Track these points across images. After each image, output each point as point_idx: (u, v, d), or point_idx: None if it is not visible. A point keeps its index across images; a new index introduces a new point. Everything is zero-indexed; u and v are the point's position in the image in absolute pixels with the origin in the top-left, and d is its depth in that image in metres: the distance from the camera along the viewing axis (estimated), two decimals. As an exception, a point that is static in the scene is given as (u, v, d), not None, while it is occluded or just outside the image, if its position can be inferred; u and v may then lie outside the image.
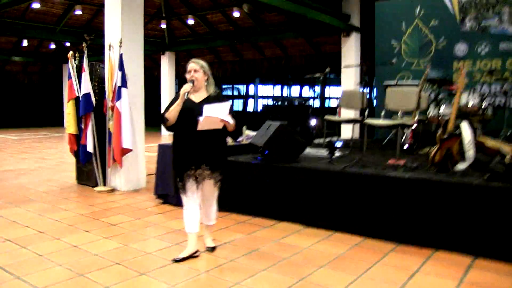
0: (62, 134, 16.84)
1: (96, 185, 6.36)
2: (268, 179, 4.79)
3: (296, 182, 4.65)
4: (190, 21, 14.48)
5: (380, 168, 4.49)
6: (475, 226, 3.67)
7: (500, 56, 7.04)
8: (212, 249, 3.74)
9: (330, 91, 19.70)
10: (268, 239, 4.14)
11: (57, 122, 20.19)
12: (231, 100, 3.54)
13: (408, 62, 7.74)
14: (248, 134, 5.75)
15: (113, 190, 6.25)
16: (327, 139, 6.23)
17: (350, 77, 12.28)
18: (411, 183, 4.00)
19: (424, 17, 7.61)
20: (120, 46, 5.96)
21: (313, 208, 4.53)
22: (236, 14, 13.69)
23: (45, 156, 10.37)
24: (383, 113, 5.95)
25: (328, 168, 4.52)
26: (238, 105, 24.75)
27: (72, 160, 7.23)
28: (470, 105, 5.69)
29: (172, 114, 3.36)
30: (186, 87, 3.33)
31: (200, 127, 3.25)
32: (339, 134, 6.70)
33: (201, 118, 3.21)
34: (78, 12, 12.69)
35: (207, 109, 3.22)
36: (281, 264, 3.50)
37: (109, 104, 6.13)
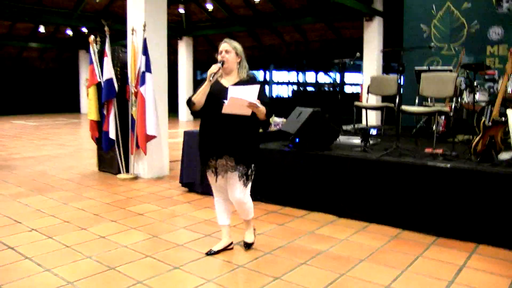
0: (79, 120, 16.85)
1: (119, 172, 6.26)
2: (300, 167, 4.60)
3: (329, 171, 4.46)
4: (209, 6, 14.20)
5: (419, 157, 4.27)
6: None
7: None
8: (247, 245, 3.44)
9: (347, 77, 19.34)
10: (302, 230, 3.97)
11: (74, 108, 20.25)
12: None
13: (438, 47, 7.43)
14: (275, 121, 5.56)
15: (136, 178, 6.14)
16: (358, 126, 6.02)
17: (372, 63, 11.99)
18: (453, 173, 3.78)
19: (456, -1, 7.28)
20: (144, 30, 5.78)
21: (347, 198, 4.35)
22: (256, -2, 13.39)
23: (65, 142, 10.32)
24: (417, 99, 5.69)
25: (364, 157, 4.32)
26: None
27: (92, 146, 7.14)
28: (509, 90, 5.40)
29: (199, 98, 3.03)
30: (213, 68, 3.00)
31: (225, 110, 2.93)
32: (364, 121, 6.45)
33: (226, 101, 2.90)
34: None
35: (233, 90, 2.92)
36: (320, 257, 3.33)
37: (132, 89, 5.99)
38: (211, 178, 3.25)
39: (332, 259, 3.29)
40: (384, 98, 6.70)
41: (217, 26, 16.13)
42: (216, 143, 3.10)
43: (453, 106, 5.05)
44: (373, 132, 5.21)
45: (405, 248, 3.55)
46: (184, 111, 16.65)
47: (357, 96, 13.63)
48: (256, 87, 2.96)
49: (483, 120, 4.05)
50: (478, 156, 4.07)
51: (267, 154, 4.79)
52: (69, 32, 16.71)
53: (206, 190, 5.19)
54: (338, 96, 6.08)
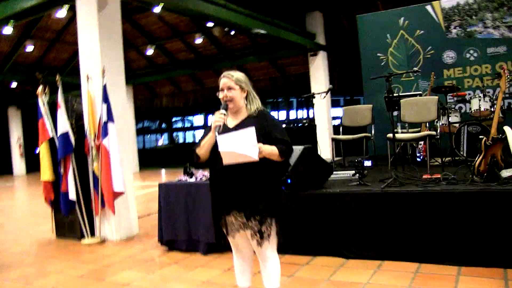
0: (13, 183, 15.40)
1: (82, 236, 5.52)
2: (296, 210, 4.24)
3: (329, 210, 4.13)
4: (149, 52, 13.84)
5: (421, 184, 4.08)
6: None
7: (489, 60, 7.00)
8: None
9: (297, 113, 19.52)
10: (316, 279, 3.57)
11: (6, 170, 18.57)
12: (272, 119, 2.70)
13: (399, 75, 7.53)
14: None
15: (103, 241, 5.44)
16: (348, 159, 5.83)
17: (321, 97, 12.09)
18: (466, 197, 3.61)
19: (408, 27, 7.49)
20: (103, 76, 5.27)
21: (353, 237, 4.03)
22: (199, 41, 13.26)
23: (4, 209, 9.20)
24: (399, 126, 5.61)
25: (368, 190, 4.05)
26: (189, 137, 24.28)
27: (42, 210, 6.33)
28: (482, 109, 5.48)
29: (204, 150, 2.57)
30: (217, 117, 2.49)
31: (225, 161, 2.44)
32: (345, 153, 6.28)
33: (222, 153, 2.39)
34: (29, 49, 11.72)
35: (222, 142, 2.39)
36: (356, 310, 2.94)
37: (92, 143, 5.39)
38: (227, 236, 2.77)
39: (370, 310, 2.91)
40: (354, 129, 6.60)
41: (157, 72, 15.75)
42: (222, 198, 2.59)
43: (438, 129, 4.99)
44: (368, 163, 5.02)
45: (436, 283, 3.26)
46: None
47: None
48: (250, 131, 2.38)
49: (484, 139, 3.95)
50: (482, 177, 3.96)
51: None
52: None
53: (191, 247, 4.66)
54: (316, 131, 5.86)
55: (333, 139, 6.04)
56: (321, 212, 4.17)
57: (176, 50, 14.70)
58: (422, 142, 5.74)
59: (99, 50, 5.41)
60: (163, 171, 15.66)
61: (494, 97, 5.65)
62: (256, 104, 2.67)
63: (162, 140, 27.12)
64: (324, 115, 12.09)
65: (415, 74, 7.23)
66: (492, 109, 5.47)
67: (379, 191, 3.98)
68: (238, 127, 2.58)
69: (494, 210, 3.51)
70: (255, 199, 2.53)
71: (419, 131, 5.70)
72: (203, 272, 3.96)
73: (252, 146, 2.38)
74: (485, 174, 3.95)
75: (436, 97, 5.14)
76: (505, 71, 4.17)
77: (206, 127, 2.70)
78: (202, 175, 4.91)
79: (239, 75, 2.64)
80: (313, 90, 12.16)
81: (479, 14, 7.01)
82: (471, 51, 7.11)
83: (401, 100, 5.32)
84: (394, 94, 6.49)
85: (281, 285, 2.69)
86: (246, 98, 2.66)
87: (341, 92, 14.52)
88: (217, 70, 15.84)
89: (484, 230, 3.53)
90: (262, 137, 2.47)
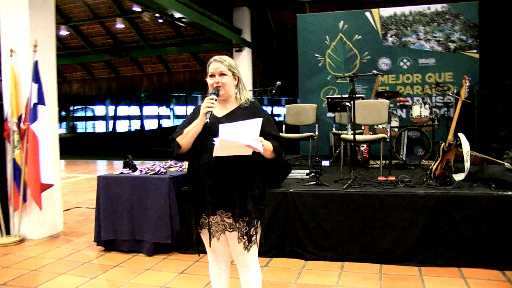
0: None
1: (-5, 236, 4.75)
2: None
3: (288, 211, 3.99)
4: (63, 32, 12.61)
5: (379, 185, 4.11)
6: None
7: (420, 70, 7.41)
8: None
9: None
10: (283, 283, 3.40)
11: None
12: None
13: (334, 76, 7.67)
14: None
15: (22, 240, 4.72)
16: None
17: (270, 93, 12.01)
18: (427, 199, 3.70)
19: (347, 31, 7.64)
20: (35, 51, 4.56)
21: (311, 238, 3.92)
22: (120, 26, 12.42)
23: None
24: (349, 127, 5.63)
25: (329, 191, 3.96)
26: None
27: None
28: (423, 116, 5.74)
29: (187, 140, 2.27)
30: (208, 103, 2.21)
31: (216, 153, 2.15)
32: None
33: (216, 141, 2.10)
34: None
35: (225, 130, 2.12)
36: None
37: (14, 127, 4.65)
38: (205, 239, 2.42)
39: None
40: (294, 128, 6.57)
41: (70, 55, 14.50)
42: (207, 195, 2.28)
43: (389, 132, 5.10)
44: (326, 163, 4.93)
45: (404, 285, 3.27)
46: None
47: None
48: (258, 121, 2.15)
49: (442, 144, 4.08)
50: (437, 180, 4.09)
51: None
52: None
53: (134, 247, 4.22)
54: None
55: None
56: (280, 213, 4.00)
57: (93, 33, 13.63)
58: (365, 145, 5.86)
59: (28, 20, 4.68)
60: (62, 162, 14.37)
61: (433, 104, 5.96)
62: (246, 93, 2.44)
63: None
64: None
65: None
66: (431, 116, 5.76)
67: (342, 192, 3.91)
68: (228, 117, 2.32)
69: (452, 211, 3.64)
70: (245, 199, 2.27)
71: (361, 133, 5.81)
72: (155, 276, 3.57)
73: (254, 138, 2.14)
74: (440, 178, 4.09)
75: (387, 101, 5.26)
76: (466, 80, 4.37)
77: (193, 111, 2.40)
78: (147, 168, 4.47)
79: (230, 60, 2.38)
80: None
81: (413, 26, 7.38)
82: (405, 60, 7.46)
83: (356, 102, 5.35)
84: (335, 96, 6.62)
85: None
86: (237, 86, 2.41)
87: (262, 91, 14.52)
88: (134, 59, 15.03)
89: (442, 231, 3.65)
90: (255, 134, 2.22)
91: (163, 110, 42.70)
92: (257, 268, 2.43)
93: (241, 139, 2.10)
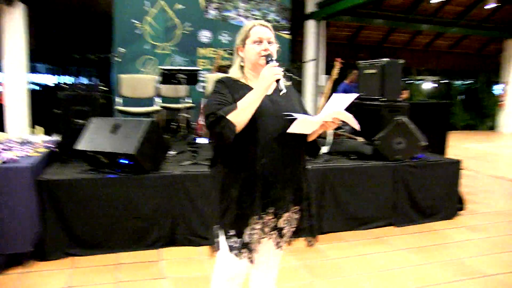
0: None
1: None
2: (137, 197, 3.42)
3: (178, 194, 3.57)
4: None
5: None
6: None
7: (239, 46, 7.58)
8: None
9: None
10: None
11: None
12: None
13: (153, 45, 7.11)
14: (44, 139, 3.83)
15: None
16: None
17: (15, 59, 9.87)
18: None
19: (169, -1, 7.15)
20: None
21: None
22: None
23: None
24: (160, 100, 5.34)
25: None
26: None
27: None
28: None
29: (246, 117, 1.72)
30: (277, 70, 1.72)
31: (291, 129, 1.74)
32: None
33: (299, 117, 1.70)
34: None
35: (335, 99, 1.76)
36: None
37: None
38: (256, 244, 1.86)
39: None
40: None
41: None
42: (270, 187, 1.79)
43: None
44: (201, 141, 4.37)
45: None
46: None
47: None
48: (352, 97, 1.76)
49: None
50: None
51: (71, 188, 3.27)
52: None
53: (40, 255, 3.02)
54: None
55: (120, 111, 5.14)
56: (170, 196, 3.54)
57: None
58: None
59: None
60: None
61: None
62: None
63: None
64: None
65: (171, 48, 7.12)
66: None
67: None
68: (281, 93, 1.74)
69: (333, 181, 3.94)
70: (304, 185, 1.93)
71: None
72: None
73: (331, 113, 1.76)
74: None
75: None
76: (339, 63, 4.69)
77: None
78: (6, 158, 3.16)
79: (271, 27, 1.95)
80: (7, 50, 9.79)
81: (234, 1, 7.47)
82: (225, 34, 7.51)
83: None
84: (169, 68, 6.18)
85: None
86: None
87: (41, 59, 12.15)
88: None
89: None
90: (303, 110, 1.90)
91: None
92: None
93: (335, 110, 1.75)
